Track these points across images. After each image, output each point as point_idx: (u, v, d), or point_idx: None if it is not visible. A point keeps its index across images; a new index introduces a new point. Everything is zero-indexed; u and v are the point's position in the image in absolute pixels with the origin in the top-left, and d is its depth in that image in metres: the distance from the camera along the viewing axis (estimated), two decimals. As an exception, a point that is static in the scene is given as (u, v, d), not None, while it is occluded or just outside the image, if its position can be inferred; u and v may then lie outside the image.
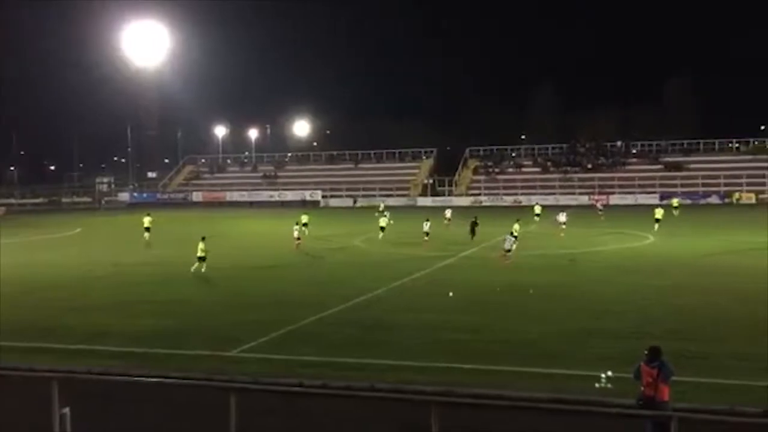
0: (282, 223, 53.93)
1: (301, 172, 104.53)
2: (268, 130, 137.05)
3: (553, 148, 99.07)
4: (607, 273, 30.32)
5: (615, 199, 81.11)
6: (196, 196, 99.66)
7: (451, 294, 24.92)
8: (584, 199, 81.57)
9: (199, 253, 31.65)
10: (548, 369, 16.29)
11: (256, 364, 17.22)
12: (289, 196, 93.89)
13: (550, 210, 57.85)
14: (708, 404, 12.91)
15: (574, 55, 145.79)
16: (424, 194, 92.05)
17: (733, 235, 43.97)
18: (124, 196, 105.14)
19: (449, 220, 55.06)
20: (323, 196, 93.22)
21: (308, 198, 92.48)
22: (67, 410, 11.12)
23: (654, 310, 22.53)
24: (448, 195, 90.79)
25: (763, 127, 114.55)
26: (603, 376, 11.33)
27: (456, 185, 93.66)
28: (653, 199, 77.47)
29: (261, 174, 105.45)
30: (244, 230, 54.57)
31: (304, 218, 50.05)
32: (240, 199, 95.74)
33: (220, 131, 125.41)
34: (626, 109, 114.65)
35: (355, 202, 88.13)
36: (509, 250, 34.39)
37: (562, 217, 48.36)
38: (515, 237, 36.19)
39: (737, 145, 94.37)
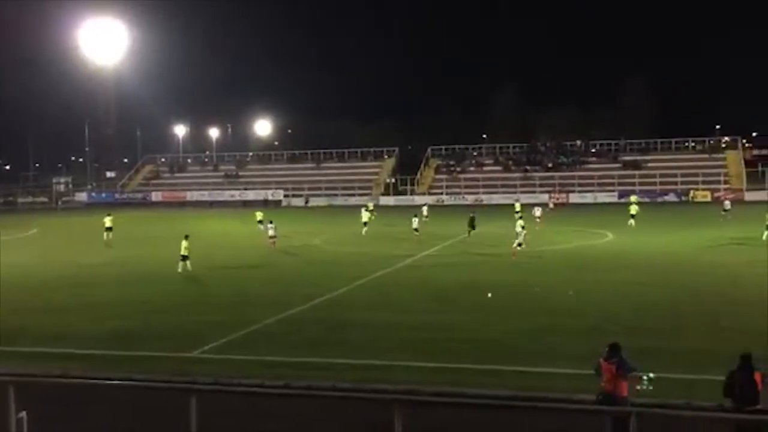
0: (244, 223, 53.72)
1: (262, 171, 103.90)
2: (230, 130, 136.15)
3: (514, 147, 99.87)
4: (568, 270, 30.64)
5: (575, 198, 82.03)
6: (156, 196, 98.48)
7: (490, 295, 24.27)
8: (545, 198, 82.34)
9: (183, 252, 31.58)
10: (509, 366, 16.43)
11: (217, 365, 17.10)
12: (251, 195, 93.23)
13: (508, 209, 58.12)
14: (666, 399, 13.18)
15: (534, 55, 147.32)
16: (386, 194, 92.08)
17: (690, 233, 44.74)
18: (82, 197, 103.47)
19: (427, 217, 55.32)
20: (285, 196, 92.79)
21: (270, 198, 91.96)
22: (23, 414, 10.93)
23: (614, 306, 22.83)
24: (411, 194, 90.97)
25: (718, 127, 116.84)
26: (645, 377, 11.44)
27: (418, 184, 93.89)
28: (612, 198, 78.53)
29: (222, 173, 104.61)
30: (205, 230, 54.00)
31: (259, 215, 50.08)
32: (201, 199, 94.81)
33: (181, 130, 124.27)
34: (585, 109, 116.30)
35: (306, 201, 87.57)
36: (521, 244, 35.95)
37: (537, 212, 50.93)
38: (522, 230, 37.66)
39: (693, 144, 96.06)
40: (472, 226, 44.57)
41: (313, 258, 36.36)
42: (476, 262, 33.80)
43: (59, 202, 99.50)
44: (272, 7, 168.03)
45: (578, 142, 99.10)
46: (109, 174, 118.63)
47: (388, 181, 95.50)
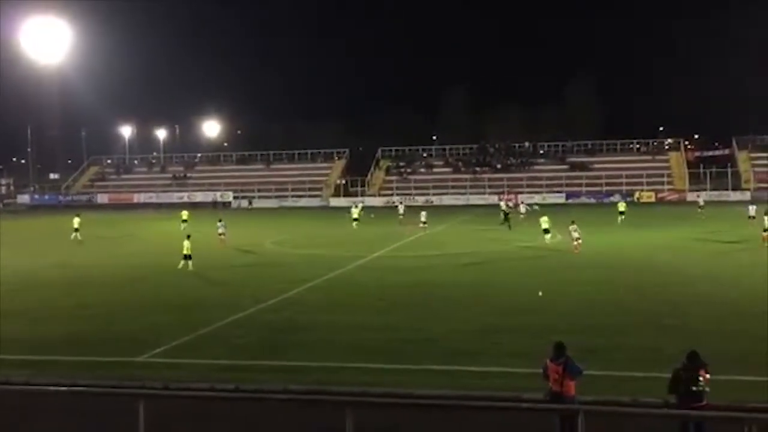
0: (193, 225, 52.95)
1: (211, 173, 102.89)
2: (177, 130, 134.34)
3: (463, 148, 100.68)
4: (516, 271, 30.98)
5: (524, 199, 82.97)
6: (102, 198, 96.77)
7: (540, 293, 24.20)
8: (494, 199, 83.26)
9: (185, 251, 32.52)
10: (460, 366, 16.54)
11: (166, 369, 16.85)
12: (200, 197, 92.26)
13: (459, 210, 58.74)
14: (613, 397, 13.43)
15: (484, 57, 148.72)
16: (337, 195, 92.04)
17: (635, 233, 45.65)
18: (24, 199, 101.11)
19: (403, 215, 56.40)
20: (234, 197, 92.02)
21: (219, 199, 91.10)
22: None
23: (563, 305, 23.13)
24: (361, 195, 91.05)
25: (661, 129, 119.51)
26: (701, 378, 11.51)
27: (369, 186, 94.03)
28: (560, 199, 79.66)
29: (170, 175, 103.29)
30: (153, 232, 53.31)
31: (185, 214, 49.70)
32: (148, 201, 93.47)
33: (127, 131, 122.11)
34: (534, 111, 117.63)
35: (250, 203, 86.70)
36: (579, 238, 36.66)
37: (503, 205, 53.95)
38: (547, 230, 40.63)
39: (638, 146, 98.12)
40: (506, 220, 49.16)
41: (263, 260, 36.10)
42: (427, 263, 33.95)
43: (0, 205, 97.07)
44: (220, 6, 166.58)
45: (527, 144, 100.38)
46: (52, 176, 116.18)
47: (338, 182, 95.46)
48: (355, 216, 54.56)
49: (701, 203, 60.03)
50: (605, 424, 11.53)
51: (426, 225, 49.06)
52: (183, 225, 47.96)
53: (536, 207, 56.90)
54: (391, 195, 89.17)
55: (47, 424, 12.90)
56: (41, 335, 20.34)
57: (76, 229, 46.23)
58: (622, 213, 54.35)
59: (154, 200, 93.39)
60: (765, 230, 38.06)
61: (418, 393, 14.30)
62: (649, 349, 17.31)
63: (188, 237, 33.47)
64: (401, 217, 56.11)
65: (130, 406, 10.88)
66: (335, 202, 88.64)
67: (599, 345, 17.67)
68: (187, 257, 32.60)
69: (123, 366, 17.10)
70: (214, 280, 30.14)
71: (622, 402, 13.08)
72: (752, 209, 48.92)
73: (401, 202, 65.31)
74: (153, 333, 20.17)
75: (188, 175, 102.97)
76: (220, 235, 42.24)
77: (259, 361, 17.36)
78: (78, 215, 48.08)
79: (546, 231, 41.26)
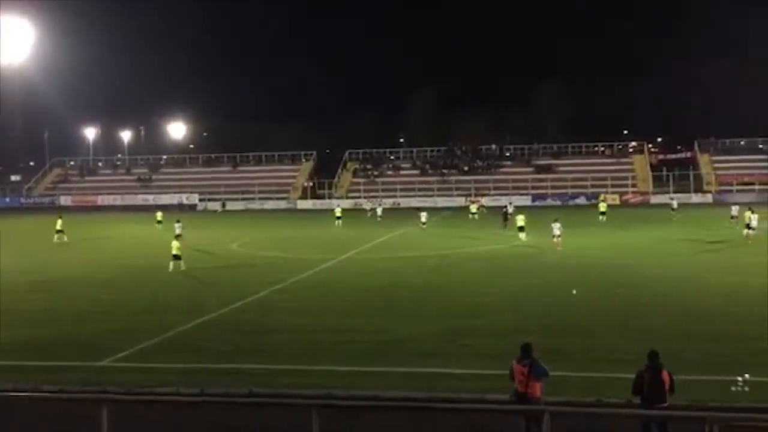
0: (157, 227, 52.55)
1: (177, 175, 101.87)
2: (142, 132, 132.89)
3: (430, 151, 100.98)
4: (482, 273, 31.13)
5: (491, 201, 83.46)
6: (65, 200, 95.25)
7: (574, 292, 24.70)
8: (461, 201, 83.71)
9: (174, 252, 32.65)
10: (425, 368, 16.58)
11: (130, 374, 16.67)
12: (165, 199, 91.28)
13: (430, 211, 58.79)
14: (577, 397, 13.55)
15: (450, 59, 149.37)
16: (304, 197, 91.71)
17: (601, 235, 46.12)
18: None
19: (381, 217, 58.33)
20: (201, 200, 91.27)
21: (185, 201, 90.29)
22: None
23: (528, 307, 23.29)
24: (329, 198, 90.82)
25: (626, 132, 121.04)
26: (740, 379, 11.62)
27: (336, 188, 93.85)
28: (526, 201, 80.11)
29: (135, 177, 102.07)
30: (117, 234, 52.63)
31: (159, 215, 49.47)
32: (113, 203, 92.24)
33: (91, 133, 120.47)
34: (500, 114, 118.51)
35: (223, 205, 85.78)
36: (559, 235, 38.67)
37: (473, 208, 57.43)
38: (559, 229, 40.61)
39: (602, 148, 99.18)
40: (505, 219, 50.01)
41: (229, 262, 35.84)
42: (394, 264, 34.00)
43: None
44: (186, 7, 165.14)
45: (493, 147, 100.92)
46: (14, 177, 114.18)
47: (306, 184, 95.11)
48: (338, 214, 57.49)
49: (675, 206, 62.10)
50: (570, 424, 11.62)
51: (425, 225, 50.98)
52: (158, 226, 47.72)
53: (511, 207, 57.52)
54: (359, 197, 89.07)
55: (10, 431, 12.67)
56: (4, 340, 19.95)
57: (60, 231, 46.36)
58: (603, 213, 56.62)
59: (118, 202, 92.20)
60: (746, 227, 39.88)
61: (384, 395, 14.31)
62: (614, 349, 17.49)
63: (177, 237, 33.96)
64: (379, 218, 56.46)
65: (93, 412, 10.74)
66: (302, 204, 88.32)
67: (565, 346, 17.82)
68: (176, 257, 32.73)
69: (85, 371, 16.87)
70: (180, 283, 29.86)
71: (587, 402, 13.20)
72: (735, 209, 50.41)
73: (379, 205, 67.50)
74: (116, 337, 19.93)
75: (153, 177, 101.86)
76: (177, 236, 41.97)
77: (225, 365, 17.25)
78: (60, 216, 48.36)
79: (521, 228, 42.79)
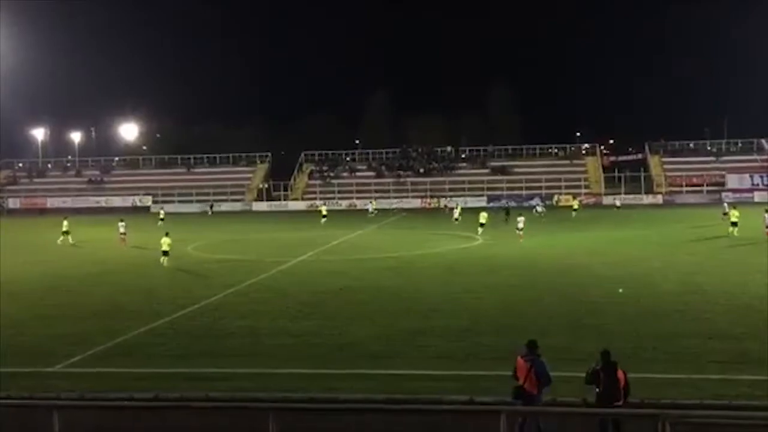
0: (110, 230, 51.63)
1: (129, 177, 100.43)
2: (93, 133, 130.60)
3: (386, 152, 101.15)
4: (439, 274, 31.25)
5: (446, 203, 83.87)
6: (13, 203, 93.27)
7: (621, 290, 25.10)
8: (417, 203, 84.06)
9: (164, 248, 34.56)
10: (382, 370, 16.59)
11: (82, 379, 16.36)
12: (117, 202, 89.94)
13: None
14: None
15: (405, 62, 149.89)
16: (259, 199, 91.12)
17: (554, 235, 46.68)
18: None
19: (375, 212, 60.27)
20: (154, 202, 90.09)
21: (138, 204, 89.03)
22: None
23: (484, 308, 23.45)
24: (284, 200, 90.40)
25: (579, 134, 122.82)
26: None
27: (291, 190, 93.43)
28: (481, 202, 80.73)
29: (86, 179, 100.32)
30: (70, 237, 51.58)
31: (65, 223, 48.94)
32: (62, 206, 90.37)
33: (40, 133, 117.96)
34: (456, 116, 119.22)
35: (211, 207, 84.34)
36: (522, 228, 43.28)
37: (455, 214, 57.47)
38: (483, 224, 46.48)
39: (556, 150, 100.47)
40: (507, 215, 53.61)
41: (184, 266, 35.41)
42: (347, 267, 33.95)
43: None
44: (137, 7, 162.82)
45: (449, 148, 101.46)
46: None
47: (261, 186, 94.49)
48: (324, 213, 62.09)
49: (618, 204, 69.22)
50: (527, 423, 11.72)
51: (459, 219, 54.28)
52: (67, 237, 47.26)
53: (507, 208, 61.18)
54: (315, 199, 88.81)
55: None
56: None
57: (66, 232, 46.37)
58: (575, 210, 63.63)
59: (68, 205, 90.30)
60: (732, 224, 42.54)
61: (342, 398, 14.30)
62: (567, 349, 17.70)
63: (167, 234, 35.56)
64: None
65: (44, 419, 10.53)
66: (258, 206, 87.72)
67: (519, 345, 17.94)
68: (165, 253, 34.45)
69: (36, 377, 16.53)
70: (134, 287, 29.40)
71: (545, 401, 13.33)
72: (726, 206, 53.76)
73: (371, 202, 72.96)
74: (69, 342, 19.56)
75: (105, 179, 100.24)
76: (121, 235, 44.57)
77: (180, 369, 17.04)
78: (66, 218, 48.88)
79: (481, 225, 46.74)
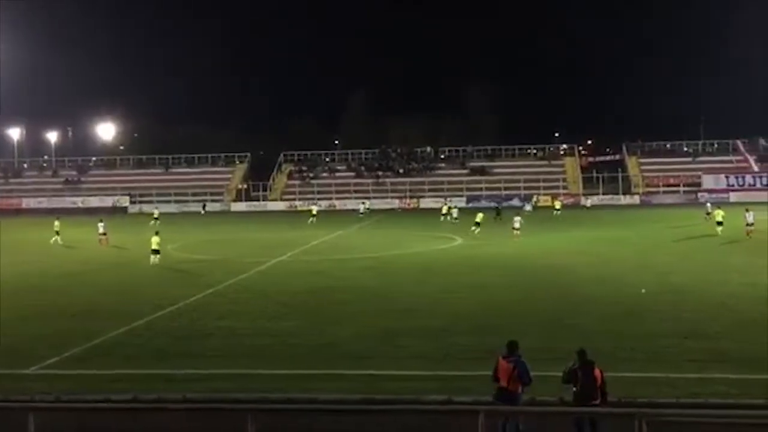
0: (88, 230, 51.21)
1: (107, 177, 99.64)
2: (70, 133, 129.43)
3: (365, 153, 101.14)
4: (417, 274, 31.27)
5: (426, 203, 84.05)
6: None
7: (643, 291, 25.18)
8: (396, 203, 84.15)
9: (154, 246, 35.16)
10: (361, 370, 16.58)
11: (59, 381, 16.20)
12: (94, 202, 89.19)
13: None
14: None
15: (385, 63, 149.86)
16: (238, 199, 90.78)
17: (533, 236, 46.85)
18: None
19: (457, 219, 58.25)
20: (132, 202, 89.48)
21: (117, 204, 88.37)
22: None
23: (462, 308, 23.50)
24: (263, 200, 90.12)
25: (557, 134, 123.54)
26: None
27: (271, 190, 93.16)
28: (461, 202, 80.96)
29: (62, 179, 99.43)
30: (45, 238, 51.09)
31: (56, 224, 48.66)
32: (38, 206, 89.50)
33: (15, 133, 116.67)
34: (435, 117, 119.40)
35: (204, 206, 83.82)
36: (518, 228, 44.29)
37: (455, 214, 59.77)
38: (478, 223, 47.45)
39: (535, 151, 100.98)
40: (498, 214, 55.50)
41: (163, 266, 35.18)
42: (326, 267, 33.91)
43: None
44: (116, 5, 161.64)
45: (428, 149, 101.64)
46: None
47: (240, 187, 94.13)
48: (314, 212, 63.13)
49: (588, 205, 72.36)
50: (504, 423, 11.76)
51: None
52: (155, 222, 48.00)
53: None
54: (294, 200, 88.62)
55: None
56: None
57: (57, 232, 46.37)
58: (557, 210, 65.69)
59: (44, 205, 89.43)
60: (718, 223, 43.59)
61: (320, 398, 14.28)
62: (545, 348, 17.77)
63: (157, 233, 36.25)
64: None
65: (19, 421, 10.42)
66: (236, 207, 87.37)
67: (497, 345, 17.97)
68: (155, 252, 34.95)
69: (11, 379, 16.37)
70: (112, 287, 29.17)
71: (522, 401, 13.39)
72: (708, 207, 54.95)
73: (363, 202, 73.80)
74: (45, 343, 19.36)
75: (82, 179, 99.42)
76: (101, 235, 44.54)
77: (157, 370, 16.94)
78: (58, 218, 48.81)
79: (477, 224, 47.59)
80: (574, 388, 11.84)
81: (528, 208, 68.18)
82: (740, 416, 11.75)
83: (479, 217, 48.43)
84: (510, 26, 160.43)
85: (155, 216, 60.82)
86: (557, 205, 69.07)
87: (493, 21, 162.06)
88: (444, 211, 63.48)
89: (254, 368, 16.92)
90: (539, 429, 12.23)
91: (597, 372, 11.82)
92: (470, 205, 77.72)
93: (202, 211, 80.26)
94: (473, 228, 46.92)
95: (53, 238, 46.12)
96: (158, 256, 35.08)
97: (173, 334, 20.52)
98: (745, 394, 14.22)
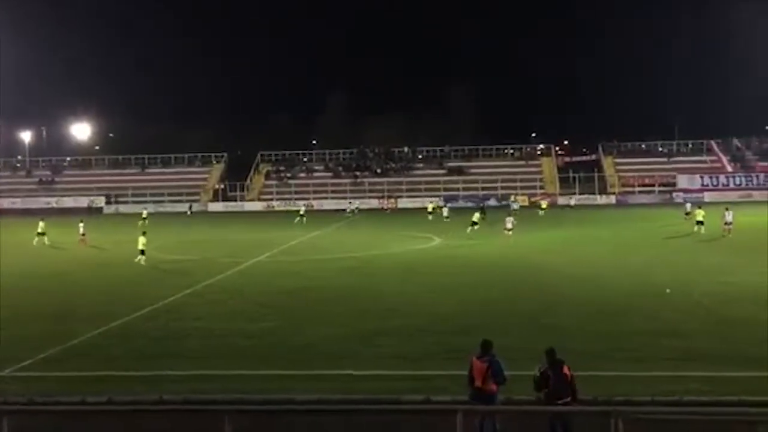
0: (63, 231, 50.73)
1: (82, 177, 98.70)
2: (44, 133, 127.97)
3: (343, 153, 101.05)
4: (396, 274, 31.28)
5: (404, 203, 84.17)
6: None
7: (668, 290, 24.89)
8: (374, 203, 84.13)
9: (140, 246, 35.33)
10: (340, 371, 16.55)
11: (33, 384, 16.02)
12: (69, 202, 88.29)
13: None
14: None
15: (363, 62, 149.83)
16: (215, 200, 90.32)
17: (514, 236, 47.00)
18: None
19: (447, 218, 58.02)
20: (107, 203, 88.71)
21: (92, 205, 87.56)
22: None
23: (440, 307, 23.54)
24: (240, 200, 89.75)
25: (534, 135, 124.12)
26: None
27: (248, 190, 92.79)
28: (438, 202, 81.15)
29: (36, 179, 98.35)
30: (19, 239, 50.51)
31: (41, 225, 48.27)
32: (11, 207, 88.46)
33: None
34: (412, 117, 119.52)
35: (191, 207, 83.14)
36: (511, 228, 43.47)
37: (430, 207, 62.39)
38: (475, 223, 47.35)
39: (512, 151, 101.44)
40: (483, 214, 53.19)
41: (140, 266, 34.93)
42: (306, 267, 33.84)
43: None
44: (91, 3, 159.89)
45: (406, 149, 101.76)
46: None
47: (216, 187, 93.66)
48: (302, 213, 62.92)
49: (572, 204, 72.10)
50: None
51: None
52: (43, 238, 46.74)
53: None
54: (271, 200, 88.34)
55: None
56: None
57: (41, 233, 45.64)
58: (542, 209, 66.56)
59: (18, 206, 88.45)
60: (698, 222, 44.12)
61: (298, 398, 14.24)
62: (522, 348, 17.84)
63: (144, 233, 36.51)
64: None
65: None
66: (213, 207, 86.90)
67: (475, 345, 18.05)
68: (142, 252, 35.15)
69: (-15, 381, 16.14)
70: (89, 288, 28.92)
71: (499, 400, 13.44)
72: (688, 206, 55.61)
73: (350, 202, 75.17)
74: (19, 346, 19.11)
75: (56, 179, 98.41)
76: (81, 235, 44.65)
77: (133, 372, 16.81)
78: (43, 219, 47.84)
79: (474, 224, 47.41)
80: (545, 390, 11.88)
81: (516, 206, 68.63)
82: (715, 413, 11.87)
83: (476, 216, 48.67)
84: (487, 27, 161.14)
85: (144, 216, 60.73)
86: (543, 204, 69.82)
87: (470, 21, 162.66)
88: (430, 209, 64.00)
89: (232, 369, 16.84)
90: (516, 428, 12.28)
91: (566, 370, 11.89)
92: (448, 204, 77.85)
93: (189, 212, 79.90)
94: (469, 228, 46.81)
95: (35, 239, 45.45)
96: (143, 256, 35.20)
97: (150, 335, 20.38)
98: (719, 391, 14.37)
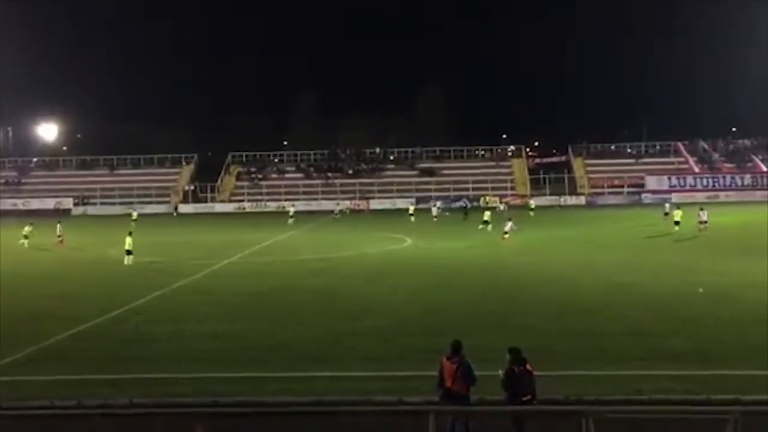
0: (40, 233, 50.11)
1: (49, 178, 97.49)
2: (10, 133, 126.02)
3: (314, 154, 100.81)
4: (367, 275, 31.28)
5: (375, 204, 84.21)
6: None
7: (701, 290, 25.03)
8: (346, 204, 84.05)
9: (127, 247, 35.64)
10: (313, 372, 16.49)
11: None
12: (36, 204, 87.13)
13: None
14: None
15: (334, 64, 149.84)
16: (185, 201, 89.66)
17: (482, 236, 47.26)
18: None
19: (346, 212, 60.24)
20: (75, 204, 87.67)
21: (59, 206, 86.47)
22: None
23: (412, 308, 23.56)
24: (211, 201, 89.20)
25: (504, 136, 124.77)
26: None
27: (219, 191, 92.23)
28: (410, 203, 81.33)
29: (2, 181, 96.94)
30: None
31: (27, 228, 47.87)
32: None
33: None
34: (384, 118, 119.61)
35: (176, 209, 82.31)
36: (507, 232, 42.91)
37: (411, 209, 63.99)
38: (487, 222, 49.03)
39: (483, 152, 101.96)
40: (466, 215, 55.83)
41: (109, 269, 34.55)
42: (278, 268, 33.72)
43: None
44: (54, 3, 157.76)
45: (377, 150, 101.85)
46: None
47: (187, 188, 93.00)
48: (291, 214, 65.39)
49: (532, 206, 72.56)
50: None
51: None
52: (133, 224, 47.53)
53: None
54: (242, 201, 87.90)
55: None
56: None
57: (26, 236, 45.51)
58: (532, 209, 68.19)
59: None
60: (675, 222, 45.57)
61: (270, 401, 14.16)
62: (491, 348, 17.89)
63: (130, 233, 36.77)
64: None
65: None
66: (184, 208, 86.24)
67: (444, 346, 18.08)
68: (129, 252, 35.44)
69: (-50, 386, 15.84)
70: (55, 291, 28.51)
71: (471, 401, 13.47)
72: (667, 207, 57.45)
73: (338, 203, 77.73)
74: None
75: (23, 180, 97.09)
76: (58, 236, 45.03)
77: (104, 375, 16.60)
78: (31, 224, 47.57)
79: (485, 222, 49.20)
80: (510, 389, 11.93)
81: (503, 207, 71.20)
82: (685, 411, 12.00)
83: (487, 215, 49.94)
84: (457, 29, 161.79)
85: (134, 218, 63.09)
86: (532, 204, 71.93)
87: (440, 23, 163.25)
88: (411, 211, 64.53)
89: (203, 372, 16.70)
90: (488, 429, 12.32)
91: (529, 366, 11.96)
92: (420, 205, 78.03)
93: (174, 213, 79.57)
94: (481, 226, 48.10)
95: (21, 241, 45.12)
96: (131, 256, 35.63)
97: (120, 338, 20.16)
98: (689, 390, 14.54)
